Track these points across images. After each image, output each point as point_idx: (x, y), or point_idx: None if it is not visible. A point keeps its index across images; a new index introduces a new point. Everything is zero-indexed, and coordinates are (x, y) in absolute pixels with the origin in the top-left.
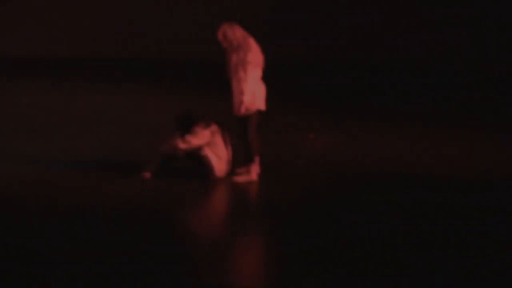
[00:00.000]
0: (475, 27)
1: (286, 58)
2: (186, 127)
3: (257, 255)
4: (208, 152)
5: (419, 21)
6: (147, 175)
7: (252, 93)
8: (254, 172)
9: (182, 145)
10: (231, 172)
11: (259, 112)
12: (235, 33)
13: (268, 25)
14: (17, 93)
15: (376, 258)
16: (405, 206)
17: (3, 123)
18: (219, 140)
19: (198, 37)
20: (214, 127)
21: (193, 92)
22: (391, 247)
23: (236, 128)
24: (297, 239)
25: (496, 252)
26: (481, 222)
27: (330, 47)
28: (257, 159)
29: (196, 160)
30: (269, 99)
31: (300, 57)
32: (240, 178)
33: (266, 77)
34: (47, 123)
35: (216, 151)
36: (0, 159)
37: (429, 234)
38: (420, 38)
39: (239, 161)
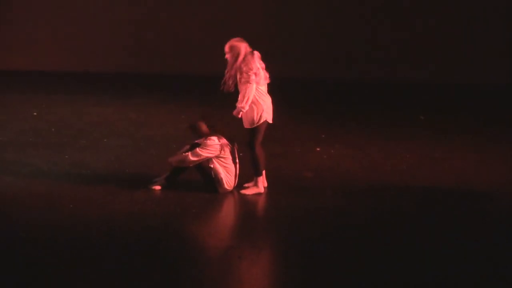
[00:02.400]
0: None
1: (294, 72)
2: (200, 134)
3: (265, 267)
4: (216, 165)
5: (423, 35)
6: (157, 187)
7: (256, 105)
8: (261, 184)
9: (192, 158)
10: (239, 185)
11: (267, 124)
12: (241, 48)
13: (277, 40)
14: (26, 106)
15: (384, 270)
16: (414, 218)
17: (12, 135)
18: (228, 153)
19: (208, 51)
20: (223, 140)
21: (202, 105)
22: (400, 260)
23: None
24: (304, 251)
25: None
26: (489, 232)
27: (336, 62)
28: (263, 172)
29: (205, 172)
30: (276, 111)
31: (307, 71)
32: (248, 191)
33: (275, 90)
34: (56, 136)
35: (224, 164)
36: (10, 171)
37: (438, 245)
38: (423, 52)
39: (247, 174)
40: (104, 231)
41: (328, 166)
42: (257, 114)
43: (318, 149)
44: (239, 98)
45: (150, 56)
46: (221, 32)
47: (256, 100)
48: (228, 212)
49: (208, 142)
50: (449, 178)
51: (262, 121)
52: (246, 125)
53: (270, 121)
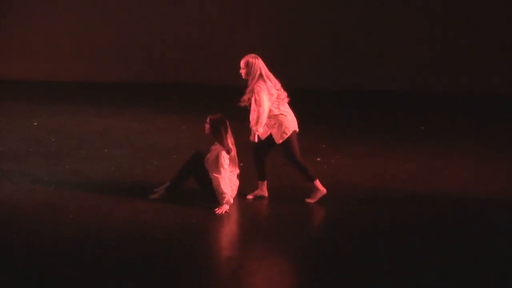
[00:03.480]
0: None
1: (293, 81)
2: (218, 130)
3: (266, 276)
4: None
5: (425, 43)
6: (157, 197)
7: (281, 119)
8: (320, 186)
9: (223, 175)
10: (241, 195)
11: (296, 133)
12: (256, 66)
13: (278, 49)
14: (26, 115)
15: (385, 277)
16: (415, 227)
17: (13, 145)
18: (230, 164)
19: (211, 61)
20: (233, 149)
21: (204, 115)
22: (401, 268)
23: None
24: (305, 260)
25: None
26: (490, 238)
27: (338, 72)
28: (265, 182)
29: (206, 183)
30: None
31: (306, 80)
32: (312, 199)
33: None
34: (56, 145)
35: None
36: (10, 181)
37: (439, 252)
38: (424, 61)
39: (248, 183)
40: (105, 240)
41: (328, 176)
42: (285, 127)
43: (318, 159)
44: (251, 119)
45: (151, 65)
46: (224, 42)
47: (281, 114)
48: (228, 222)
49: (222, 159)
50: (450, 186)
51: (291, 131)
52: (278, 140)
53: (297, 130)
